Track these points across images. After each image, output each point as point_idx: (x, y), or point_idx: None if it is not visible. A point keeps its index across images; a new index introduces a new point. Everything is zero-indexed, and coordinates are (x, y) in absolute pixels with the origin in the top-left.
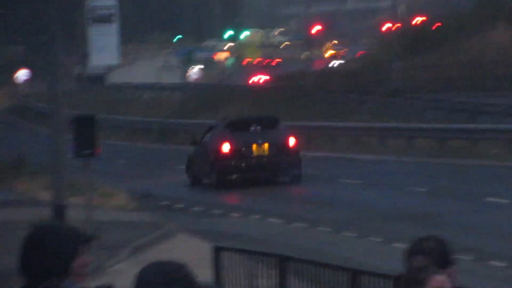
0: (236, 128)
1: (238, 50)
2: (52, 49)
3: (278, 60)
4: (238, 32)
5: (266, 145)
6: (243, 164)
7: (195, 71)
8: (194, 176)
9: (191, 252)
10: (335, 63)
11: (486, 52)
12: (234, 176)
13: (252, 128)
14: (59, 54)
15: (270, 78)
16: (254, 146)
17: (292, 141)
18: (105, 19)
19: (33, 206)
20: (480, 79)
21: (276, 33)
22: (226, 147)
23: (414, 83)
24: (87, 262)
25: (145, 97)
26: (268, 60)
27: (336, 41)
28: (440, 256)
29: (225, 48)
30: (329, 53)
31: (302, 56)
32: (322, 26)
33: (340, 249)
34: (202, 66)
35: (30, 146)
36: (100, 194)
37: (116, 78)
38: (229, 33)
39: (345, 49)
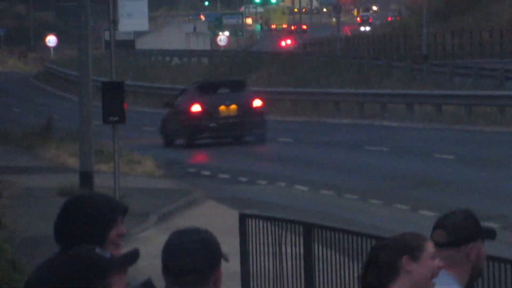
0: (206, 91)
1: (265, 16)
2: (81, 15)
3: (305, 26)
4: None
5: (233, 107)
6: (211, 124)
7: (223, 37)
8: (167, 137)
9: (218, 219)
10: (365, 28)
11: (508, 18)
12: (203, 135)
13: (221, 90)
14: (88, 20)
15: (298, 43)
16: (222, 107)
17: (257, 103)
18: None
19: (60, 173)
20: (510, 44)
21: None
22: (196, 108)
23: (443, 49)
24: (123, 232)
25: (174, 63)
26: (295, 26)
27: (367, 8)
28: (465, 231)
29: (253, 13)
30: (359, 18)
31: (332, 22)
32: None
33: (367, 217)
34: (228, 33)
35: (57, 113)
36: (127, 161)
37: (145, 44)
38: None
39: (375, 14)
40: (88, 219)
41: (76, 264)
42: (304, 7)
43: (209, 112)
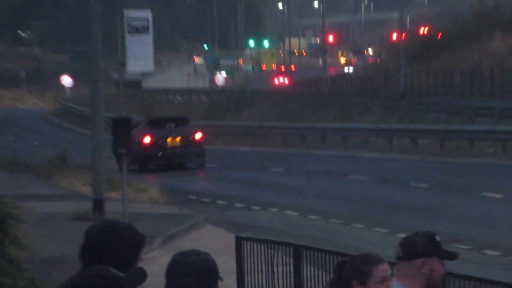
0: (156, 125)
1: (256, 58)
2: (93, 58)
3: (293, 66)
4: (259, 41)
5: (178, 139)
6: (160, 153)
7: (221, 77)
8: (122, 164)
9: (216, 241)
10: (348, 69)
11: (485, 59)
12: (153, 162)
13: (168, 125)
14: (99, 62)
15: (289, 82)
16: (169, 139)
17: (198, 135)
18: (140, 30)
19: (75, 200)
20: (478, 84)
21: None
22: (146, 140)
23: (418, 88)
24: (143, 258)
25: (176, 101)
26: (284, 67)
27: (349, 50)
28: (417, 248)
29: (246, 56)
30: (343, 60)
31: (320, 62)
32: (336, 36)
33: (350, 239)
34: (225, 73)
35: (72, 146)
36: (135, 189)
37: (151, 83)
38: (251, 42)
39: (357, 57)
40: (125, 243)
41: (101, 282)
42: (295, 50)
43: (158, 143)
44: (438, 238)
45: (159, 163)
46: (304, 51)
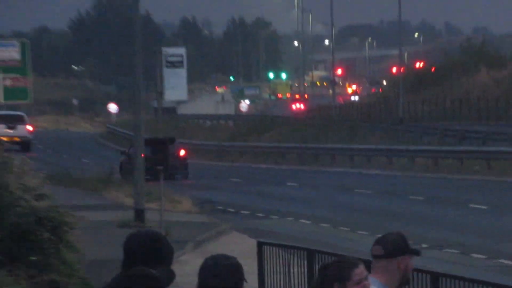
0: (150, 143)
1: (273, 87)
2: (135, 88)
3: (306, 95)
4: (277, 73)
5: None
6: (151, 166)
7: (244, 104)
8: (123, 173)
9: (240, 246)
10: (354, 98)
11: (472, 90)
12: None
13: (158, 143)
14: (140, 92)
15: (305, 107)
16: (159, 155)
17: (182, 152)
18: (176, 64)
19: (119, 210)
20: (466, 111)
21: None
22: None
23: (415, 114)
24: None
25: (206, 124)
26: (299, 95)
27: (377, 81)
28: (396, 247)
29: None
30: (350, 90)
31: (329, 93)
32: (344, 69)
33: (356, 244)
34: (248, 101)
35: (117, 164)
36: (170, 200)
37: (184, 109)
38: (270, 74)
39: (362, 87)
40: (163, 256)
41: (144, 281)
42: (317, 81)
43: (150, 158)
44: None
45: (153, 175)
46: (318, 82)
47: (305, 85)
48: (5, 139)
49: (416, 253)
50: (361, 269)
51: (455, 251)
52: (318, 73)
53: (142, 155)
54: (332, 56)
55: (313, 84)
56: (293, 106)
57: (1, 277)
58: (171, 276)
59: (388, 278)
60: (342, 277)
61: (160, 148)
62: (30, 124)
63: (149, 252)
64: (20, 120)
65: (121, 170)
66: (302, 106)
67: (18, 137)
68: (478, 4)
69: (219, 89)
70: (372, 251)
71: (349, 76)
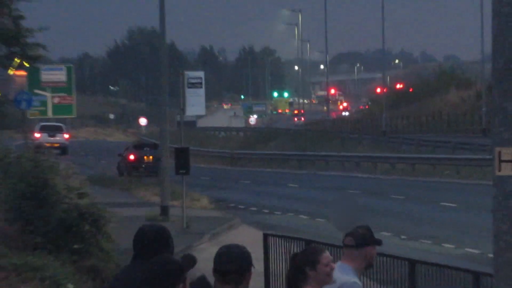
0: (138, 148)
1: (274, 104)
2: (162, 104)
3: (303, 111)
4: (280, 92)
5: (151, 157)
6: (139, 166)
7: (253, 118)
8: (120, 171)
9: (249, 237)
10: (345, 113)
11: (443, 107)
12: (136, 172)
13: (145, 148)
14: (166, 108)
15: (304, 120)
16: (145, 157)
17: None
18: (196, 85)
19: (147, 206)
20: (439, 125)
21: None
22: (132, 157)
23: (395, 127)
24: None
25: (221, 135)
26: (296, 111)
27: (346, 100)
28: (364, 239)
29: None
30: (341, 107)
31: (324, 109)
32: (336, 89)
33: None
34: (256, 115)
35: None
36: (191, 199)
37: (202, 123)
38: (275, 93)
39: (351, 104)
40: (171, 243)
41: (169, 265)
42: (313, 99)
43: (139, 159)
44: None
45: (140, 171)
46: (314, 100)
47: (305, 102)
48: (47, 144)
49: (379, 243)
50: (327, 254)
51: (429, 241)
52: (322, 93)
53: (133, 156)
54: (327, 78)
55: (320, 100)
56: (295, 119)
57: (50, 262)
58: (193, 261)
59: (356, 264)
60: (312, 261)
61: (146, 152)
62: (67, 133)
63: (155, 242)
64: (59, 130)
65: (118, 169)
66: (302, 119)
67: (57, 143)
68: (449, 36)
69: (225, 106)
70: (344, 241)
71: (340, 95)
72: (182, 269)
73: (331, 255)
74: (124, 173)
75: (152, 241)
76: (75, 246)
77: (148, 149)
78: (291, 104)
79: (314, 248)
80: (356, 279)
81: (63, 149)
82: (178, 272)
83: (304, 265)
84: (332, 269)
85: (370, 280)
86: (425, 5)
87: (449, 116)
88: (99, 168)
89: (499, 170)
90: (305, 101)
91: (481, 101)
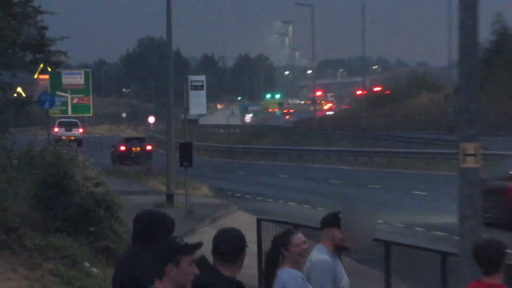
0: (127, 141)
1: (265, 104)
2: (168, 104)
3: (292, 110)
4: (273, 95)
5: (138, 148)
6: (129, 156)
7: (248, 117)
8: (113, 160)
9: (244, 221)
10: (330, 113)
11: (416, 107)
12: (126, 161)
13: (133, 141)
14: (172, 107)
15: (291, 118)
16: (134, 148)
17: (149, 147)
18: (198, 87)
19: (155, 194)
20: (412, 123)
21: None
22: (122, 148)
23: (374, 125)
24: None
25: (220, 132)
26: (286, 110)
27: (331, 101)
28: (324, 221)
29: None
30: (326, 107)
31: (311, 108)
32: (322, 91)
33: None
34: (251, 114)
35: (154, 160)
36: (193, 187)
37: (204, 121)
38: (268, 95)
39: (335, 105)
40: (167, 221)
41: (174, 244)
42: (289, 99)
43: (128, 150)
44: (340, 215)
45: (128, 160)
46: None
47: (301, 102)
48: (64, 137)
49: (337, 225)
50: (298, 236)
51: (402, 225)
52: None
53: (123, 147)
54: (313, 82)
55: (313, 101)
56: (287, 117)
57: (69, 243)
58: (199, 245)
59: (327, 245)
60: (285, 243)
61: (134, 144)
62: (81, 128)
63: (150, 226)
64: (75, 125)
65: (111, 158)
66: (287, 117)
67: (73, 136)
68: (421, 44)
69: (219, 106)
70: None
71: (325, 97)
72: (177, 249)
73: (313, 238)
74: (116, 161)
75: (147, 225)
76: (91, 229)
77: (136, 141)
78: (281, 104)
79: (287, 230)
80: (327, 257)
81: (78, 141)
82: (172, 250)
83: (279, 246)
84: (303, 250)
85: (350, 260)
86: (401, 16)
87: (420, 115)
88: (102, 158)
89: (464, 163)
90: (301, 102)
91: (449, 102)
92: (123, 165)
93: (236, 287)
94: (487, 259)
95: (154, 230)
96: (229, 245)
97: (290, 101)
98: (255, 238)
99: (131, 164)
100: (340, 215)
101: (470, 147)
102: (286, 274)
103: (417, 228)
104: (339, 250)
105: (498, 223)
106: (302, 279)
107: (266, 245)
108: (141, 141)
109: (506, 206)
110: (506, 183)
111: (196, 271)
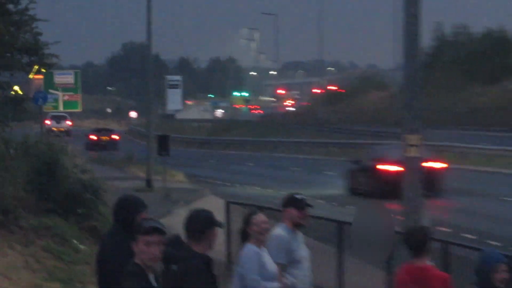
0: (98, 131)
1: (232, 100)
2: (148, 101)
3: (258, 106)
4: (241, 93)
5: (107, 137)
6: (98, 143)
7: (219, 112)
8: (86, 147)
9: (215, 204)
10: (291, 109)
11: (366, 104)
12: (96, 148)
13: (103, 131)
14: (151, 103)
15: (257, 112)
16: (102, 137)
17: (116, 136)
18: (175, 86)
19: (136, 180)
20: (362, 117)
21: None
22: (92, 137)
23: (329, 119)
24: (144, 216)
25: (194, 125)
26: (252, 106)
27: (294, 98)
28: (284, 201)
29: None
30: (287, 103)
31: (273, 105)
32: (285, 90)
33: None
34: (222, 110)
35: (136, 150)
36: (169, 174)
37: (179, 116)
38: (236, 93)
39: (296, 101)
40: (127, 208)
41: (136, 225)
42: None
43: (99, 138)
44: (298, 196)
45: (98, 147)
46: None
47: (263, 99)
48: (55, 129)
49: (301, 204)
50: (258, 216)
51: (353, 207)
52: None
53: (94, 137)
54: (277, 82)
55: (276, 98)
56: (255, 111)
57: (60, 223)
58: (153, 228)
59: (286, 222)
60: (247, 222)
61: (103, 134)
62: (70, 121)
63: (121, 209)
64: (64, 118)
65: (85, 145)
66: (260, 111)
67: (63, 128)
68: (371, 48)
69: (189, 103)
70: None
71: (287, 94)
72: (135, 229)
73: (275, 218)
74: (88, 148)
75: (119, 208)
76: (79, 211)
77: (104, 132)
78: (247, 101)
79: (250, 211)
80: (282, 232)
81: (67, 132)
82: (134, 230)
83: (246, 225)
84: (263, 229)
85: (308, 237)
86: (354, 24)
87: (369, 111)
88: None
89: (407, 152)
90: (269, 99)
91: (395, 100)
92: (93, 151)
93: (204, 261)
94: (416, 243)
95: (125, 212)
96: (198, 224)
97: (260, 98)
98: (225, 219)
99: (100, 150)
100: (296, 196)
101: (412, 139)
102: (245, 248)
103: (318, 200)
104: (296, 226)
105: (367, 193)
106: (256, 253)
107: (235, 225)
108: (109, 131)
109: (372, 180)
110: (372, 163)
111: (155, 252)
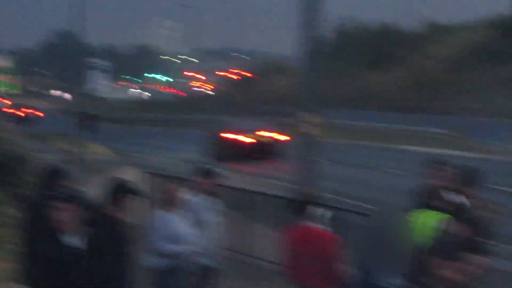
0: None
1: (153, 84)
2: (78, 83)
3: (175, 90)
4: (160, 76)
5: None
6: (19, 117)
7: (145, 94)
8: (6, 120)
9: (134, 175)
10: (209, 92)
11: (272, 88)
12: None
13: (21, 107)
14: (81, 85)
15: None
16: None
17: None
18: (93, 68)
19: (61, 153)
20: (269, 100)
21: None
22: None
23: (237, 104)
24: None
25: (121, 106)
26: (168, 88)
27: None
28: (198, 171)
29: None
30: (194, 83)
31: (186, 87)
32: (199, 73)
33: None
34: (147, 92)
35: (64, 127)
36: (95, 148)
37: (109, 96)
38: (154, 75)
39: (208, 84)
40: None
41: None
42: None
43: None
44: (205, 166)
45: (19, 122)
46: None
47: (182, 81)
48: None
49: (201, 174)
50: (168, 185)
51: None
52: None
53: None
54: (189, 66)
55: (186, 79)
56: (174, 91)
57: None
58: (56, 196)
59: (198, 189)
60: (160, 189)
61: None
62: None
63: (43, 178)
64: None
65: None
66: (174, 91)
67: None
68: (280, 36)
69: (114, 85)
70: None
71: (194, 77)
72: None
73: (188, 186)
74: (8, 120)
75: (44, 178)
76: (9, 179)
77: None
78: (166, 84)
79: (168, 186)
80: (191, 198)
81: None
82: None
83: (158, 193)
84: (173, 196)
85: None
86: (265, 13)
87: (275, 93)
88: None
89: (303, 129)
90: (187, 82)
91: (298, 83)
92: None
93: (114, 223)
94: (299, 206)
95: (48, 180)
96: (111, 190)
97: (179, 80)
98: (143, 188)
99: (20, 124)
100: (206, 166)
101: (311, 118)
102: (153, 213)
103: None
104: (207, 193)
105: (219, 158)
106: (163, 218)
107: (153, 194)
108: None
109: (220, 147)
110: (217, 132)
111: (65, 217)
